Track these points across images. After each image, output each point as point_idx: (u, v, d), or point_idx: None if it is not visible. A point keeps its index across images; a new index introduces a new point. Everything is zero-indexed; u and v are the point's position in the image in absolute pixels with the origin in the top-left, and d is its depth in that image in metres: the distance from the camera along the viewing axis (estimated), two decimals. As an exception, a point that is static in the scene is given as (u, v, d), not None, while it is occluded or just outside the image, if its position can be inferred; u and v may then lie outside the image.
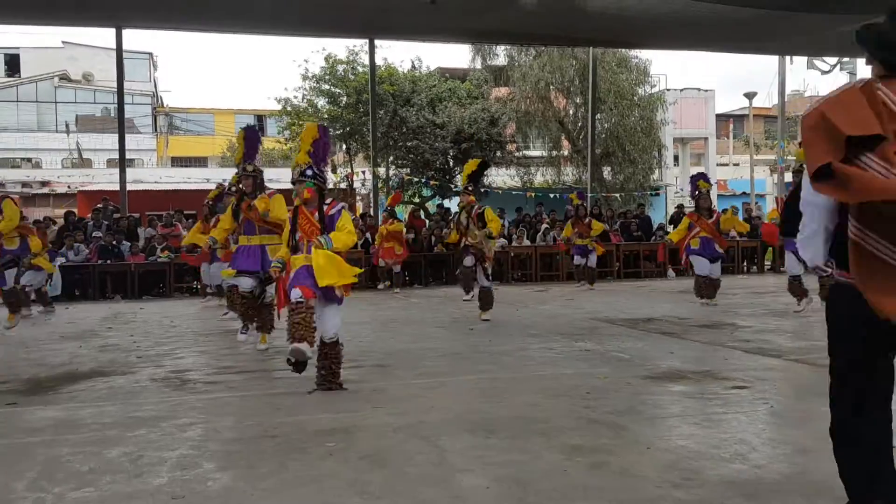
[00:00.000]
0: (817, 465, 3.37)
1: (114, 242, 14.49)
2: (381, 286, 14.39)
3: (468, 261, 9.48)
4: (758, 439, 4.06)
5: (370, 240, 15.17)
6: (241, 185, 7.46)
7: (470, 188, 9.80)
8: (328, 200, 5.68)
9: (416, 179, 21.44)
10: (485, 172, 12.75)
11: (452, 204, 21.45)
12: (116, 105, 18.62)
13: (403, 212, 22.32)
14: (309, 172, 5.51)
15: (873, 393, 2.59)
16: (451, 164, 21.58)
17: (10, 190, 26.79)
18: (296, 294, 5.19)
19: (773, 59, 20.76)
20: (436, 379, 5.84)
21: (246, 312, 7.43)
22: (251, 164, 7.38)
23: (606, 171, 23.81)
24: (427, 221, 17.95)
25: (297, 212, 5.56)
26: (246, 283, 7.26)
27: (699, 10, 13.93)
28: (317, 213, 5.49)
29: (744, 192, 31.23)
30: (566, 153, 25.02)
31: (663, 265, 15.82)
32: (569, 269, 15.22)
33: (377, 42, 18.43)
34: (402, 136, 20.73)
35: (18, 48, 36.60)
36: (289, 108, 22.29)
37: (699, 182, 11.22)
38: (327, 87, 21.78)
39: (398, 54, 69.40)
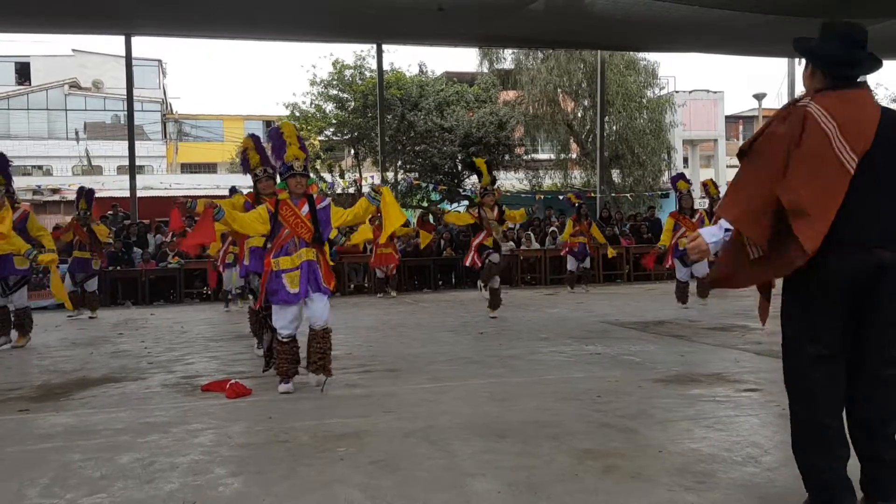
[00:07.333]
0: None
1: (123, 249, 14.54)
2: (379, 295, 14.27)
3: (495, 258, 10.06)
4: (770, 442, 4.03)
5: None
6: (259, 187, 7.48)
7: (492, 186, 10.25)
8: (315, 195, 5.78)
9: (424, 184, 21.45)
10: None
11: (461, 208, 21.44)
12: (126, 112, 18.73)
13: (412, 216, 22.33)
14: (307, 168, 5.71)
15: None
16: (460, 168, 21.58)
17: (21, 197, 26.95)
18: (286, 331, 5.59)
19: (782, 60, 20.67)
20: (446, 383, 5.84)
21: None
22: (271, 169, 7.42)
23: (615, 174, 23.77)
24: (436, 226, 17.92)
25: (277, 208, 5.54)
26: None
27: (708, 15, 13.88)
28: (305, 207, 5.54)
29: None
30: (575, 156, 25.00)
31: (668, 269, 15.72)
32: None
33: (384, 47, 18.48)
34: (410, 141, 20.75)
35: (29, 56, 36.90)
36: (297, 114, 22.39)
37: (678, 183, 11.27)
38: (335, 92, 21.87)
39: (405, 59, 69.75)
